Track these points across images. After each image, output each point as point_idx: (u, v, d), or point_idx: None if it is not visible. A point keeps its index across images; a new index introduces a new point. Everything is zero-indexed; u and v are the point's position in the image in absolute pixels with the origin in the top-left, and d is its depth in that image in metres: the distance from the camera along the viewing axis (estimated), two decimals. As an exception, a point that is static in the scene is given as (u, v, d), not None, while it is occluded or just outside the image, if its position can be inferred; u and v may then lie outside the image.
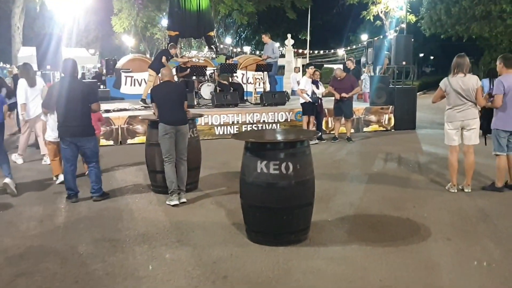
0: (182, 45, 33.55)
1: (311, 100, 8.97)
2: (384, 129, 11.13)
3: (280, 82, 16.07)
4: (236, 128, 10.18)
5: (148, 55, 33.84)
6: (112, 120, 9.49)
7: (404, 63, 11.15)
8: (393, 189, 5.79)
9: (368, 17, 29.98)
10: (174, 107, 5.32)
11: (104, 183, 5.70)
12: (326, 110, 10.25)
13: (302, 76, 21.23)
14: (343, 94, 9.21)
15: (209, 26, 16.40)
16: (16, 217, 4.91)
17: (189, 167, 5.51)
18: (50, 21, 29.13)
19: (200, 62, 15.63)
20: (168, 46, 12.28)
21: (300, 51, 30.94)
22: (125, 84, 15.31)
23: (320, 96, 9.24)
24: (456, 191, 5.50)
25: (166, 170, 5.25)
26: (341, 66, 33.14)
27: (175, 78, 13.37)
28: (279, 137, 4.30)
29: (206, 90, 13.30)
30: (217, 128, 10.09)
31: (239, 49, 37.16)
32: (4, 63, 37.12)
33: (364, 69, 15.87)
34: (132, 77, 15.35)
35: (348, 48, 34.56)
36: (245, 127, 10.23)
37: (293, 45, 25.60)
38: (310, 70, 9.20)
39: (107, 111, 10.30)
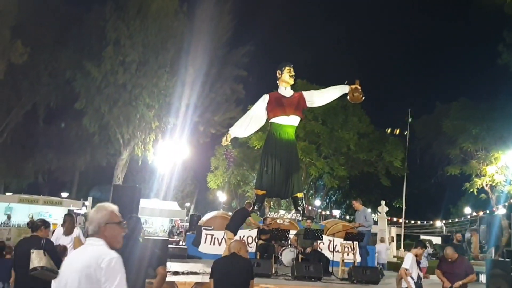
0: (271, 204, 33.32)
1: (413, 286, 7.21)
2: (509, 329, 8.71)
3: (372, 253, 14.28)
4: (318, 309, 8.50)
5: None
6: (177, 285, 8.36)
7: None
8: None
9: (471, 190, 27.92)
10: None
11: None
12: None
13: (401, 250, 19.15)
14: (457, 284, 7.31)
15: (297, 187, 15.67)
16: None
17: None
18: (150, 175, 30.83)
19: (284, 224, 14.62)
20: (245, 204, 11.48)
21: (395, 219, 28.97)
22: (205, 242, 14.48)
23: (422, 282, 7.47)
24: None
25: None
26: (437, 238, 30.10)
27: (246, 248, 12.34)
28: None
29: (288, 256, 11.96)
30: (294, 306, 8.49)
31: (328, 212, 36.02)
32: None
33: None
34: (212, 235, 14.55)
35: (450, 220, 31.86)
36: (328, 309, 8.52)
37: (386, 213, 23.99)
38: (420, 250, 7.56)
39: (176, 273, 9.26)
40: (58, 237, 7.84)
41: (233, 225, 10.42)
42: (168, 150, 26.57)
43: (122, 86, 23.85)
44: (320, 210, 35.65)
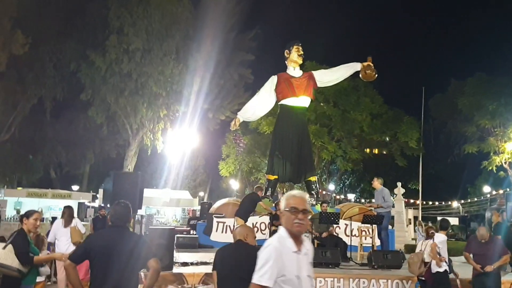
0: (284, 190, 32.82)
1: (448, 270, 6.60)
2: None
3: (391, 236, 13.66)
4: (337, 298, 7.95)
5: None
6: (185, 277, 7.86)
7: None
8: None
9: (489, 168, 27.07)
10: (238, 285, 3.56)
11: None
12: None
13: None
14: (488, 268, 6.69)
15: (310, 171, 15.08)
16: None
17: None
18: (161, 164, 30.44)
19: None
20: (255, 189, 10.88)
21: (411, 201, 28.29)
22: (216, 231, 13.95)
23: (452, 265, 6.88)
24: None
25: None
26: (454, 219, 29.08)
27: (257, 233, 11.81)
28: None
29: (303, 242, 11.41)
30: (312, 295, 7.93)
31: (342, 196, 35.44)
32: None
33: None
34: (224, 222, 14.02)
35: (468, 200, 31.03)
36: (348, 297, 7.96)
37: (403, 195, 23.31)
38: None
39: (185, 264, 8.78)
40: (57, 229, 8.13)
41: (243, 211, 9.88)
42: (177, 138, 26.13)
43: (128, 75, 23.35)
44: (334, 195, 35.06)
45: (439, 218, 30.01)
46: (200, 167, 45.31)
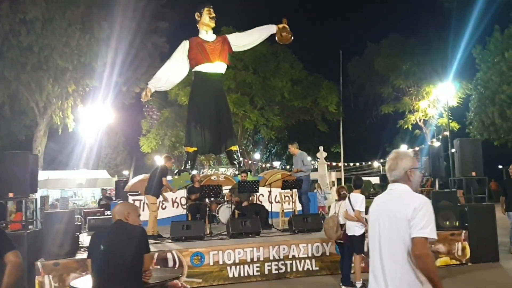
0: (211, 163, 32.23)
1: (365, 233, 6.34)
2: (458, 262, 8.24)
3: (313, 200, 13.59)
4: (257, 268, 7.54)
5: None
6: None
7: (473, 174, 8.62)
8: None
9: (405, 126, 28.15)
10: (118, 273, 2.93)
11: None
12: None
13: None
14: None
15: (231, 140, 14.57)
16: None
17: None
18: (76, 144, 28.56)
19: (219, 180, 13.54)
20: (163, 160, 10.03)
21: (334, 164, 28.88)
22: (133, 209, 13.13)
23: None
24: None
25: None
26: (375, 179, 30.21)
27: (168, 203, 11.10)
28: None
29: (225, 213, 10.97)
30: (230, 268, 7.47)
31: (268, 165, 35.54)
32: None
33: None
34: (140, 200, 13.19)
35: (387, 159, 32.25)
36: (268, 266, 7.58)
37: (325, 158, 23.59)
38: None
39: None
40: None
41: (153, 187, 9.09)
42: (90, 115, 24.46)
43: (28, 48, 21.16)
44: (260, 164, 35.06)
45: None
46: (120, 144, 43.40)
